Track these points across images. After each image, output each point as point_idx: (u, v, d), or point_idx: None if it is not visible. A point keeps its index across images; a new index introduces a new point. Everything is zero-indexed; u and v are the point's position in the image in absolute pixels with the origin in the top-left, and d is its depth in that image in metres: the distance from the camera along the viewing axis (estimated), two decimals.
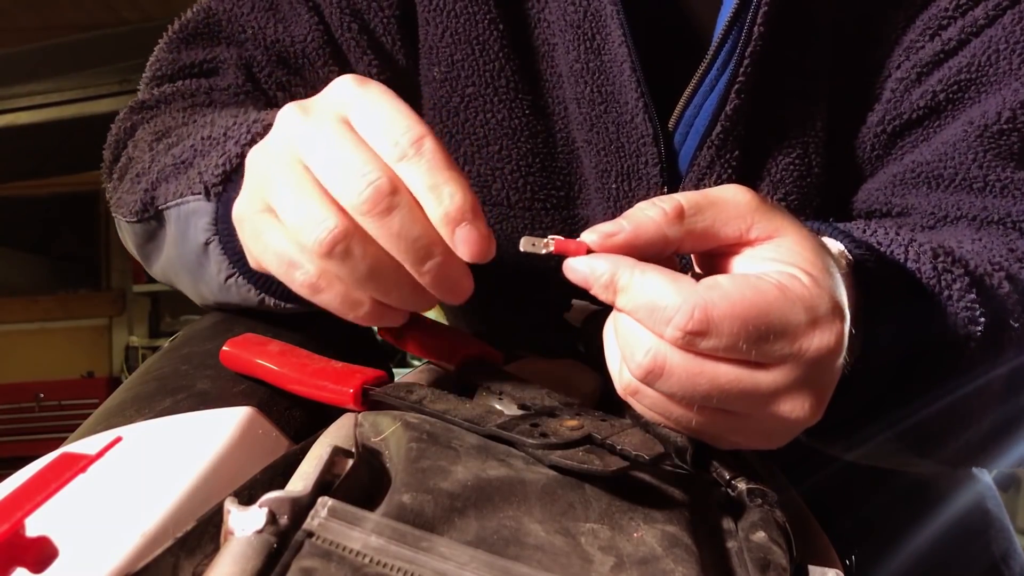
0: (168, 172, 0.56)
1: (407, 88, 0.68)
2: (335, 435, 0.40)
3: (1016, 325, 0.50)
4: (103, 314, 4.25)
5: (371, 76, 0.63)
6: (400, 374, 0.56)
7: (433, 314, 0.58)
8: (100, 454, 0.30)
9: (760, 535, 0.37)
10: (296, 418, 0.48)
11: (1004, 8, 0.58)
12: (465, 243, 0.38)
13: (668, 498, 0.38)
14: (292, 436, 0.47)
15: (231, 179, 0.51)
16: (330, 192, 0.39)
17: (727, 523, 0.39)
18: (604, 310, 0.53)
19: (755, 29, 0.56)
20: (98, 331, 4.25)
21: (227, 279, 0.53)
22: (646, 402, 0.40)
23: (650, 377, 0.37)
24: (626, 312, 0.38)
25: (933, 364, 0.48)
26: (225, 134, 0.53)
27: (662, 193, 0.64)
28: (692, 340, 0.36)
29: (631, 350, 0.38)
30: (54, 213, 4.41)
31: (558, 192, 0.67)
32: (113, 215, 0.64)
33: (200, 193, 0.52)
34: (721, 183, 0.62)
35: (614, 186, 0.64)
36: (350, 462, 0.36)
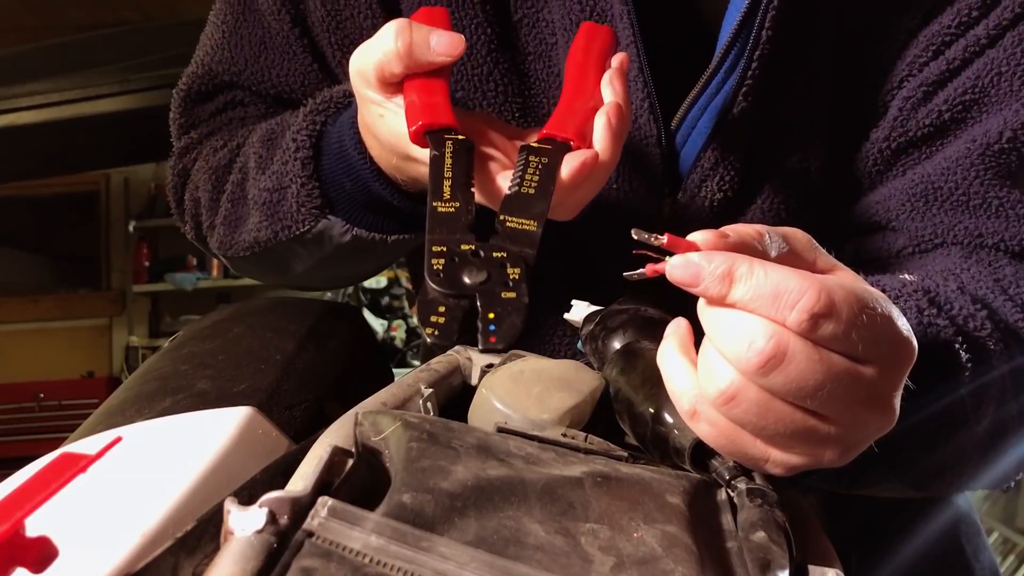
0: (263, 208, 0.63)
1: None
2: (335, 435, 0.40)
3: (997, 364, 0.52)
4: (103, 314, 4.25)
5: None
6: (400, 374, 0.56)
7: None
8: (100, 454, 0.30)
9: (760, 535, 0.37)
10: (296, 418, 0.48)
11: (1004, 29, 0.59)
12: None
13: (668, 498, 0.38)
14: (292, 436, 0.47)
15: (328, 207, 0.59)
16: None
17: (727, 523, 0.39)
18: (604, 310, 0.53)
19: (763, 33, 0.57)
20: (98, 331, 4.25)
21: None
22: (742, 407, 0.37)
23: (771, 363, 0.35)
24: (741, 303, 0.36)
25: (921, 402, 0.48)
26: (284, 165, 0.60)
27: (662, 195, 0.64)
28: (816, 323, 0.35)
29: (747, 340, 0.36)
30: (54, 213, 4.41)
31: None
32: (221, 256, 0.71)
33: (313, 221, 0.60)
34: (724, 185, 0.62)
35: (614, 187, 0.64)
36: (350, 462, 0.36)
